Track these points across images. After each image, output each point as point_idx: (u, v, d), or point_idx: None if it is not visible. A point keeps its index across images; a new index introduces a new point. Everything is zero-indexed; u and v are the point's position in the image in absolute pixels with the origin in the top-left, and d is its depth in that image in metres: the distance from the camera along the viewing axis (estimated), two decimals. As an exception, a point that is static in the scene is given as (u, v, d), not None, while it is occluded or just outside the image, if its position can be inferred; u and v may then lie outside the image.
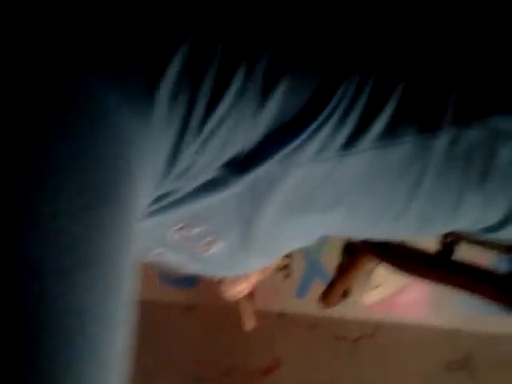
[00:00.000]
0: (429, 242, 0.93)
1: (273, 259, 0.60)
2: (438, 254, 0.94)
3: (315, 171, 0.47)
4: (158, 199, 0.42)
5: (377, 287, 1.38)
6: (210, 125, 0.39)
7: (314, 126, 0.43)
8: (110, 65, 0.34)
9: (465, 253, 0.92)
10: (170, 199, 0.43)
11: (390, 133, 0.46)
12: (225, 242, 0.51)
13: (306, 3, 0.46)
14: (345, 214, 0.52)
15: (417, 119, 0.47)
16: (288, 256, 1.61)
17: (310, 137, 0.43)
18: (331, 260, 1.17)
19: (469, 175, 0.50)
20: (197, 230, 0.48)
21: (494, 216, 0.54)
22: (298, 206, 0.49)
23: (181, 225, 0.47)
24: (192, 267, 0.57)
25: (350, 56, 0.44)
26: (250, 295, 1.22)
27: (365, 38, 0.46)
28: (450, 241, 0.91)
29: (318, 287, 1.18)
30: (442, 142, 0.47)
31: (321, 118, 0.43)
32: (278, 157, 0.43)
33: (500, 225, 0.55)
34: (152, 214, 0.43)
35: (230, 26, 0.40)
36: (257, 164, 0.43)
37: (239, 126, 0.41)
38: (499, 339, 1.70)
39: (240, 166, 0.43)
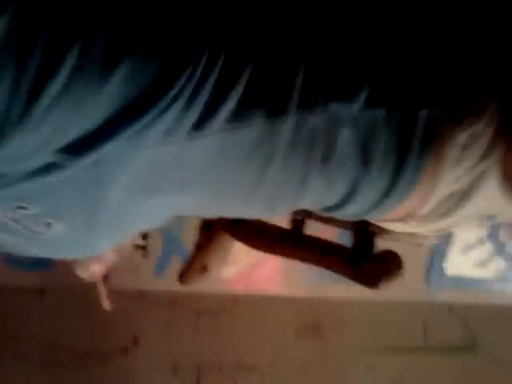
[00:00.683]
0: (281, 219, 0.96)
1: (123, 240, 0.59)
2: (290, 230, 0.98)
3: (164, 153, 0.46)
4: None
5: (234, 262, 1.41)
6: (39, 106, 0.36)
7: (160, 106, 0.42)
8: None
9: (315, 228, 0.97)
10: (2, 182, 0.41)
11: (239, 116, 0.46)
12: (66, 224, 0.49)
13: None
14: (195, 196, 0.52)
15: (264, 103, 0.47)
16: (145, 235, 1.59)
17: (157, 118, 0.42)
18: (190, 237, 1.17)
19: (312, 159, 0.52)
20: (33, 212, 0.46)
21: (334, 196, 0.57)
22: (146, 188, 0.48)
23: (16, 206, 0.45)
24: (32, 250, 0.55)
25: (195, 37, 0.43)
26: (106, 276, 1.17)
27: (211, 19, 0.45)
28: (300, 218, 0.96)
29: (178, 264, 1.18)
30: (287, 126, 0.49)
31: (167, 99, 0.42)
32: (122, 138, 0.42)
33: (340, 204, 0.58)
34: None
35: (65, 1, 0.37)
36: (98, 146, 0.41)
37: (76, 108, 0.39)
38: (344, 305, 1.85)
39: (79, 148, 0.41)
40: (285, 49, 0.49)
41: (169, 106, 0.42)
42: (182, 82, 0.42)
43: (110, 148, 0.42)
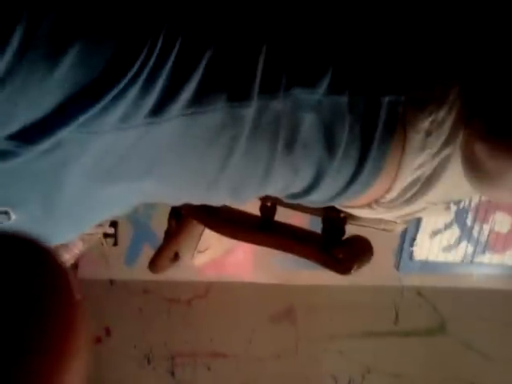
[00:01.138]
0: (252, 205, 0.96)
1: (87, 228, 0.58)
2: (260, 216, 0.98)
3: (121, 139, 0.44)
4: None
5: (206, 249, 1.40)
6: None
7: (114, 92, 0.40)
8: None
9: (285, 214, 0.97)
10: None
11: (199, 100, 0.45)
12: (25, 214, 0.47)
13: None
14: (157, 183, 0.51)
15: (225, 88, 0.47)
16: (114, 223, 1.56)
17: (112, 103, 0.41)
18: (161, 225, 1.16)
19: (276, 145, 0.51)
20: None
21: (300, 183, 0.57)
22: (106, 174, 0.47)
23: None
24: None
25: (150, 20, 0.42)
26: (75, 264, 1.15)
27: (166, 1, 0.44)
28: (270, 205, 0.95)
29: (149, 252, 1.17)
30: (250, 111, 0.48)
31: (121, 84, 0.40)
32: (76, 124, 0.40)
33: (306, 191, 0.58)
34: None
35: None
36: (51, 133, 0.40)
37: (24, 92, 0.37)
38: (316, 290, 1.87)
39: (32, 135, 0.40)
40: (245, 33, 0.48)
41: (124, 90, 0.41)
42: (137, 66, 0.41)
43: (63, 134, 0.40)
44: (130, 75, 0.40)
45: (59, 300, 0.27)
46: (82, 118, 0.40)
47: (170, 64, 0.43)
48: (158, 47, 0.42)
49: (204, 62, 0.45)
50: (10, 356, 0.24)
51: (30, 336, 0.25)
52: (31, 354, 0.25)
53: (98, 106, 0.40)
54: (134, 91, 0.41)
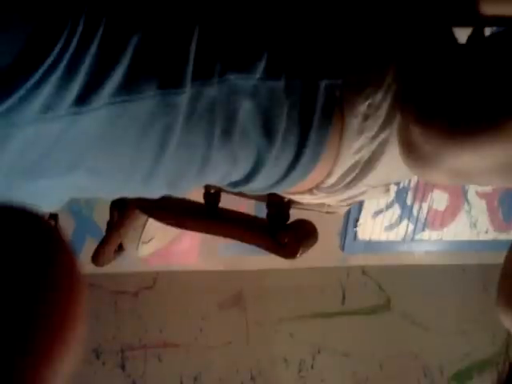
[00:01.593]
0: (195, 193, 0.94)
1: None
2: (204, 204, 0.96)
3: (46, 130, 0.42)
4: None
5: (151, 239, 1.38)
6: None
7: (32, 80, 0.38)
8: None
9: (229, 201, 0.96)
10: None
11: (128, 88, 0.44)
12: None
13: None
14: (87, 177, 0.48)
15: (157, 74, 0.45)
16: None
17: (31, 92, 0.38)
18: (103, 216, 1.12)
19: (213, 133, 0.50)
20: None
21: (239, 171, 0.56)
22: (30, 170, 0.44)
23: None
24: None
25: (68, 3, 0.39)
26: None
27: None
28: (214, 192, 0.94)
29: (92, 245, 1.13)
30: (183, 99, 0.47)
31: (40, 72, 0.38)
32: None
33: (246, 179, 0.57)
34: None
35: None
36: None
37: None
38: (263, 275, 1.88)
39: None
40: (175, 17, 0.46)
41: (43, 78, 0.39)
42: (56, 51, 0.38)
43: None
44: (48, 62, 0.38)
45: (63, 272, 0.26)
46: (1, 109, 0.38)
47: (93, 49, 0.41)
48: (79, 31, 0.39)
49: (131, 48, 0.43)
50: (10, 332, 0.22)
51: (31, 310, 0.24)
52: (31, 330, 0.24)
53: (16, 96, 0.38)
54: (54, 79, 0.39)
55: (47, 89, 0.39)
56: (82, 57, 0.40)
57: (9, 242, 0.25)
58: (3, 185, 0.44)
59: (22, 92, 0.38)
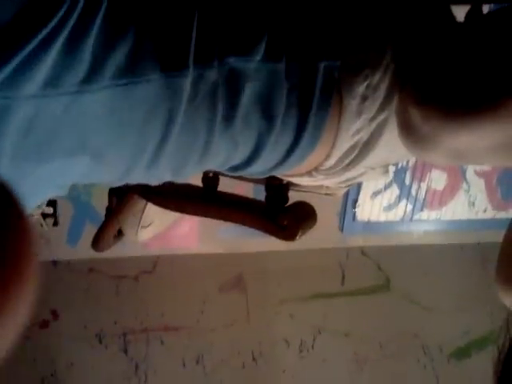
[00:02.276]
0: (194, 177, 0.94)
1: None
2: (203, 188, 0.96)
3: (47, 109, 0.41)
4: None
5: (150, 224, 1.38)
6: None
7: (27, 48, 0.37)
8: None
9: (228, 184, 0.96)
10: None
11: (132, 70, 0.43)
12: None
13: None
14: (92, 161, 0.48)
15: (160, 57, 0.44)
16: (52, 202, 1.51)
17: (27, 64, 0.37)
18: (102, 202, 1.12)
19: (215, 117, 0.50)
20: None
21: (240, 155, 0.56)
22: (34, 152, 0.44)
23: None
24: None
25: None
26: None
27: None
28: (212, 175, 0.94)
29: (91, 231, 1.13)
30: (185, 82, 0.46)
31: (36, 41, 0.37)
32: None
33: (246, 162, 0.57)
34: None
35: None
36: None
37: None
38: (263, 257, 1.89)
39: None
40: (175, 0, 0.46)
41: (40, 49, 0.38)
42: (55, 21, 0.37)
43: None
44: (45, 32, 0.37)
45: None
46: None
47: (94, 29, 0.40)
48: (80, 6, 0.39)
49: (133, 30, 0.42)
50: None
51: None
52: None
53: (12, 64, 0.37)
54: (53, 52, 0.38)
55: (46, 63, 0.38)
56: (83, 35, 0.40)
57: None
58: (10, 169, 0.44)
59: (16, 60, 0.37)
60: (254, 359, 1.89)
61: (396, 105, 0.53)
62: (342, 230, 1.97)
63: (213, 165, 0.56)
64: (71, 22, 0.39)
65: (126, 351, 1.84)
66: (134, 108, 0.46)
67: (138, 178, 0.57)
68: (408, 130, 0.51)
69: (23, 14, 0.37)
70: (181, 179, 0.57)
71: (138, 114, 0.46)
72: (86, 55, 0.41)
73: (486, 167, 1.96)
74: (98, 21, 0.41)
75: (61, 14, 0.38)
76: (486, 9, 0.58)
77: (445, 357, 1.99)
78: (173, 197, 0.98)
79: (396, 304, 2.00)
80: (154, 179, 0.57)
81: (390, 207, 1.98)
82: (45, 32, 0.38)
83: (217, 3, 0.48)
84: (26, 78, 0.38)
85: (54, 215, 1.53)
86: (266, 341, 1.90)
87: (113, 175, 0.54)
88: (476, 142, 0.48)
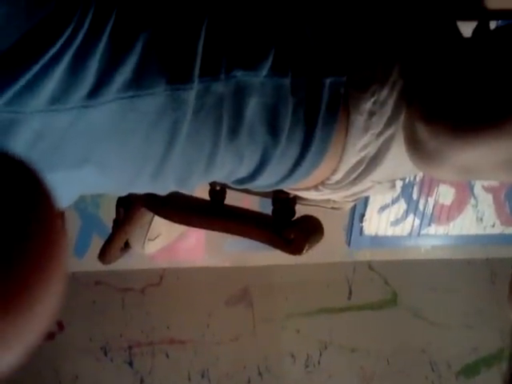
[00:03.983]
0: (201, 189, 0.94)
1: None
2: (210, 201, 0.97)
3: (53, 124, 0.42)
4: None
5: (157, 237, 1.38)
6: None
7: (36, 67, 0.38)
8: None
9: (235, 197, 0.96)
10: None
11: (138, 83, 0.44)
12: None
13: None
14: (97, 172, 0.48)
15: (166, 70, 0.45)
16: (60, 214, 1.51)
17: (35, 80, 0.38)
18: (110, 214, 1.13)
19: (220, 130, 0.50)
20: None
21: (246, 168, 0.56)
22: (40, 163, 0.44)
23: None
24: None
25: None
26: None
27: None
28: (219, 189, 0.94)
29: (98, 243, 1.13)
30: (191, 94, 0.47)
31: (45, 59, 0.38)
32: None
33: (252, 176, 0.57)
34: None
35: None
36: None
37: None
38: (270, 270, 1.88)
39: None
40: (183, 14, 0.46)
41: (49, 66, 0.38)
42: (63, 40, 0.38)
43: None
44: (52, 51, 0.38)
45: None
46: (7, 95, 0.37)
47: (102, 43, 0.40)
48: (88, 22, 0.39)
49: (140, 43, 0.43)
50: None
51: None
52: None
53: (19, 83, 0.37)
54: (60, 69, 0.39)
55: (53, 79, 0.39)
56: (90, 52, 0.40)
57: None
58: None
59: (27, 77, 0.38)
60: (259, 374, 1.87)
61: (403, 120, 0.54)
62: (348, 244, 1.97)
63: (218, 176, 0.57)
64: (78, 41, 0.40)
65: (131, 364, 1.83)
66: (138, 120, 0.46)
67: (143, 187, 0.57)
68: (415, 146, 0.51)
69: (32, 34, 0.37)
70: (186, 189, 0.58)
71: (143, 126, 0.47)
72: (92, 71, 0.41)
73: (494, 182, 1.95)
74: (105, 38, 0.41)
75: (67, 33, 0.39)
76: (493, 25, 0.59)
77: (453, 374, 1.96)
78: (180, 210, 0.98)
79: (403, 319, 1.98)
80: (159, 189, 0.58)
81: (397, 222, 1.97)
82: (52, 51, 0.38)
83: (225, 17, 0.49)
84: (34, 95, 0.39)
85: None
86: (272, 355, 1.89)
87: (118, 185, 0.55)
88: (483, 158, 0.48)
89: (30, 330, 0.25)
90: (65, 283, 0.27)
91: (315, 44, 0.52)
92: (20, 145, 0.42)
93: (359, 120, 0.53)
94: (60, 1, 0.38)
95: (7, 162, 0.26)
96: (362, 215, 1.93)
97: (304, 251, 0.87)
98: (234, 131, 0.51)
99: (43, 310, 0.26)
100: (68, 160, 0.46)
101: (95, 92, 0.42)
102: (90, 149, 0.46)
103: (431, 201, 1.96)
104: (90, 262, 1.71)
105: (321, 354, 1.92)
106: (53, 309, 0.26)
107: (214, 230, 0.97)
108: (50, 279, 0.26)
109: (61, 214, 0.27)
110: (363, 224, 1.94)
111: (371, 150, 0.56)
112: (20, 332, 0.24)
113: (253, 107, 0.50)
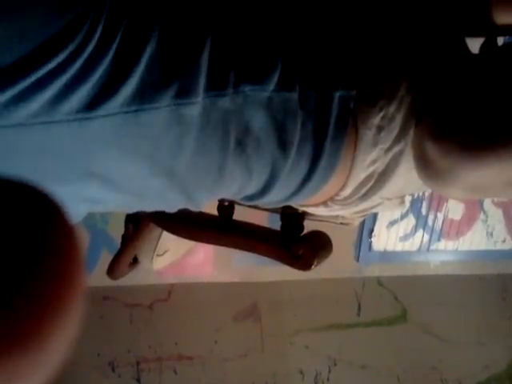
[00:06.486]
0: (209, 206, 0.94)
1: None
2: (218, 216, 0.96)
3: (53, 135, 0.42)
4: None
5: (165, 252, 1.38)
6: None
7: (33, 78, 0.38)
8: None
9: (243, 213, 0.96)
10: None
11: (142, 97, 0.44)
12: None
13: None
14: (101, 188, 0.48)
15: (170, 85, 0.45)
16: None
17: (34, 89, 0.38)
18: (118, 229, 1.13)
19: (228, 144, 0.50)
20: None
21: (255, 185, 0.56)
22: (43, 176, 0.44)
23: None
24: None
25: (88, 6, 0.40)
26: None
27: None
28: (228, 204, 0.94)
29: (107, 258, 1.14)
30: (197, 109, 0.46)
31: (42, 72, 0.38)
32: None
33: (261, 192, 0.57)
34: None
35: None
36: None
37: None
38: (278, 286, 1.87)
39: None
40: (188, 29, 0.46)
41: (48, 79, 0.38)
42: (66, 53, 0.38)
43: None
44: (54, 62, 0.38)
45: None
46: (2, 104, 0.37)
47: (110, 55, 0.41)
48: (96, 38, 0.40)
49: (145, 58, 0.43)
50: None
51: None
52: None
53: (13, 90, 0.37)
54: (63, 80, 0.39)
55: (52, 89, 0.39)
56: (97, 63, 0.40)
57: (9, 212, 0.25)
58: None
59: (25, 84, 0.38)
60: (268, 390, 1.85)
61: (412, 138, 0.53)
62: (357, 259, 1.95)
63: (228, 193, 0.56)
64: (84, 55, 0.40)
65: (139, 380, 1.82)
66: (142, 134, 0.46)
67: (151, 205, 0.57)
68: (424, 164, 0.51)
69: (42, 47, 0.38)
70: (194, 206, 0.58)
71: (147, 141, 0.47)
72: (96, 84, 0.42)
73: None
74: (111, 52, 0.42)
75: (71, 49, 0.39)
76: (500, 41, 0.59)
77: (464, 391, 1.93)
78: (188, 225, 0.98)
79: (413, 335, 1.95)
80: (167, 207, 0.57)
81: (406, 237, 1.95)
82: (56, 62, 0.39)
83: (232, 31, 0.49)
84: (29, 106, 0.39)
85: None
86: (281, 372, 1.87)
87: (124, 202, 0.55)
88: (492, 176, 0.47)
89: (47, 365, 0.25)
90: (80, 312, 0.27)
91: (323, 57, 0.52)
92: (23, 156, 0.42)
93: (368, 135, 0.53)
94: (71, 11, 0.39)
95: (16, 188, 0.26)
96: (371, 230, 1.92)
97: (313, 267, 0.86)
98: (242, 146, 0.50)
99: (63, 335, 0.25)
100: (72, 173, 0.46)
101: (99, 105, 0.42)
102: (94, 162, 0.46)
103: (440, 216, 1.94)
104: (98, 277, 1.71)
105: (330, 371, 1.90)
106: (70, 337, 0.26)
107: (222, 245, 0.97)
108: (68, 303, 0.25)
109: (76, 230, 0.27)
110: (372, 239, 1.93)
111: (380, 166, 0.56)
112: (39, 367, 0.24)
113: (260, 122, 0.50)
